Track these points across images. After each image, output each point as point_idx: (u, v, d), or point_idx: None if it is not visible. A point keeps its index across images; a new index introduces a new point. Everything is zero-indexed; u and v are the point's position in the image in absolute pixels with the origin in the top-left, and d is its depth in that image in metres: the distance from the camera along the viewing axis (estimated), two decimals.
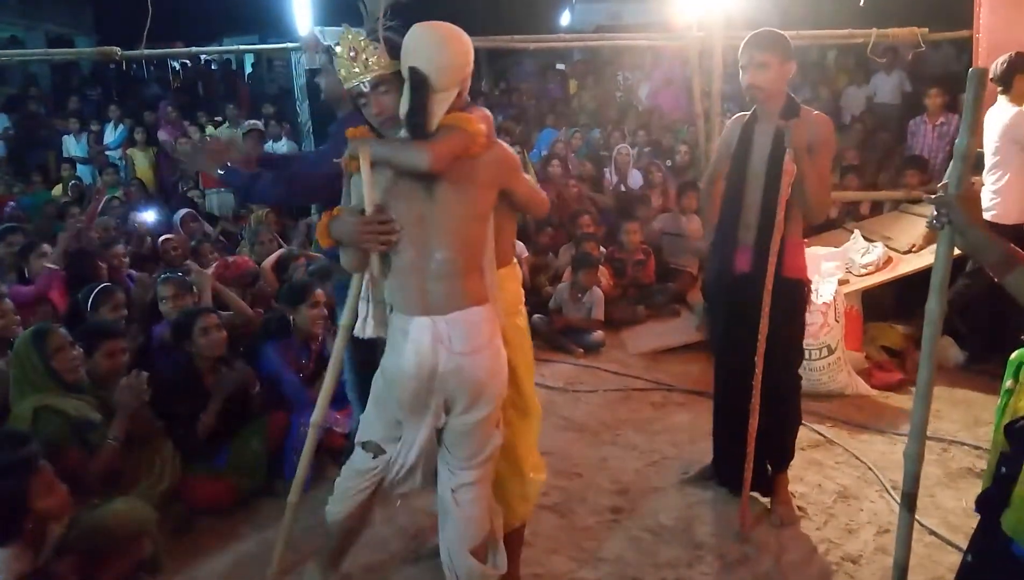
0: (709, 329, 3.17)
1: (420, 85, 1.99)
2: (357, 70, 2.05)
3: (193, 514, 3.15)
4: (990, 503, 1.29)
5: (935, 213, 1.66)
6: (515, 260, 2.43)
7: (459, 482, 2.21)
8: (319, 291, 3.64)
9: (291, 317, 3.64)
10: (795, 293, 2.88)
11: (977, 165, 4.34)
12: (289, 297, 3.71)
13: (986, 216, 4.17)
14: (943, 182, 1.72)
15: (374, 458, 2.32)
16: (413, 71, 1.99)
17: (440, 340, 2.07)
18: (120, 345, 3.21)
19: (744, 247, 2.88)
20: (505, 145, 2.21)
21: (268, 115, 8.74)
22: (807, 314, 3.11)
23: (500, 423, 2.25)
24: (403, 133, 2.07)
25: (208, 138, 5.74)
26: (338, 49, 2.07)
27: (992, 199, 4.28)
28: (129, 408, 2.92)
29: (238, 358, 3.56)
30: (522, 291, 2.46)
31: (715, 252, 3.04)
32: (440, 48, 2.03)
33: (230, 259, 4.84)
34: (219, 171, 2.72)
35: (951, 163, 1.70)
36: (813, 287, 4.03)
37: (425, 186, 2.05)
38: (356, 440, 2.39)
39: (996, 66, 4.20)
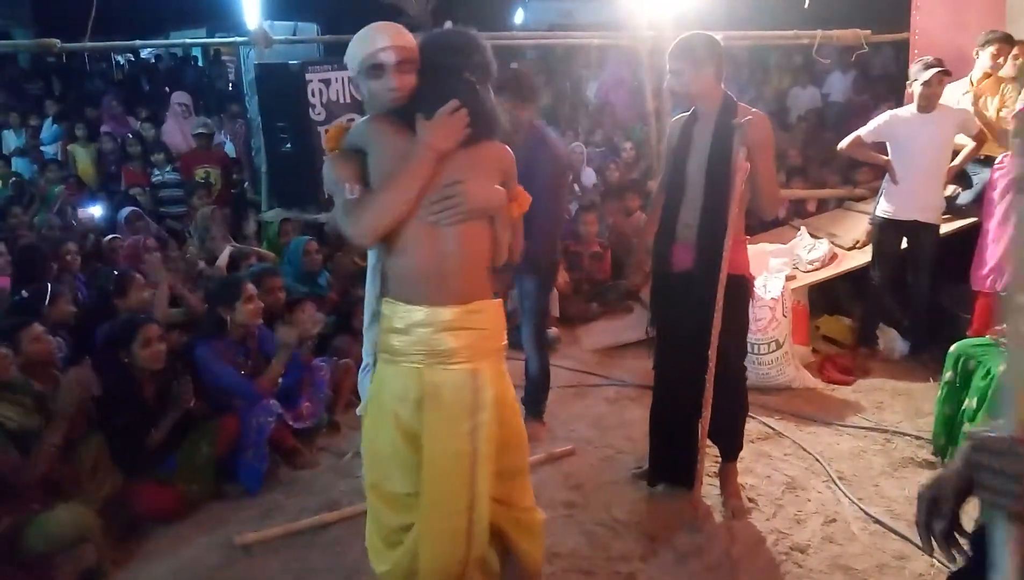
0: (652, 326, 3.19)
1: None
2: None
3: (140, 521, 3.07)
4: None
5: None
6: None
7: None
8: (250, 285, 3.58)
9: (226, 316, 3.52)
10: (739, 289, 2.93)
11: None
12: (224, 296, 3.57)
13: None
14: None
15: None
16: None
17: None
18: (40, 329, 3.13)
19: (684, 245, 2.91)
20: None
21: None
22: (754, 309, 3.16)
23: None
24: None
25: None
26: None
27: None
28: (71, 408, 2.83)
29: (181, 368, 3.40)
30: None
31: (655, 250, 3.08)
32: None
33: None
34: None
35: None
36: (761, 283, 4.15)
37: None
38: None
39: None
